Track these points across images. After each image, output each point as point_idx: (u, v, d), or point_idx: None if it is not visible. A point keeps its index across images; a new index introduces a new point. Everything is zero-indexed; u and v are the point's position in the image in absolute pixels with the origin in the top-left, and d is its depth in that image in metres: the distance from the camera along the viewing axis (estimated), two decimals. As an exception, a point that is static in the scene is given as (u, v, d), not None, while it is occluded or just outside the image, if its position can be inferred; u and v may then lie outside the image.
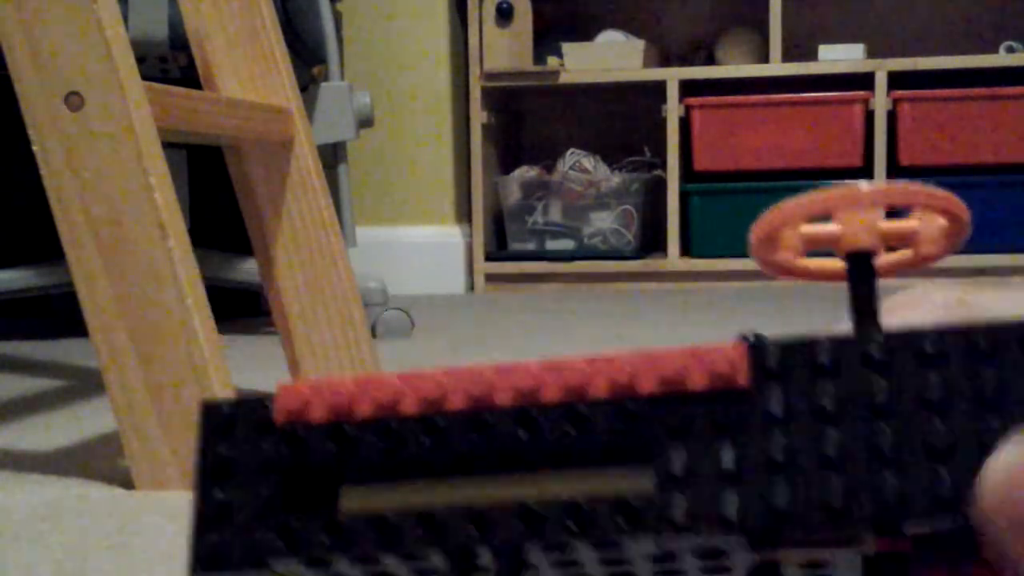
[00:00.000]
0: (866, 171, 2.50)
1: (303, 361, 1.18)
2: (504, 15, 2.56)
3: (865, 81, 2.52)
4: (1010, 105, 2.48)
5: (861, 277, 0.24)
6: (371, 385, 0.23)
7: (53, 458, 1.01)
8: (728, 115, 2.56)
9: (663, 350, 0.22)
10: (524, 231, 2.66)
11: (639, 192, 2.61)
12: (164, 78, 1.69)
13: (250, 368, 1.51)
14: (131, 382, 0.86)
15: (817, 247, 0.25)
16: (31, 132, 0.86)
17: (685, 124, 2.58)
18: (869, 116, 2.52)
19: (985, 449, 0.20)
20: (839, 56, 2.55)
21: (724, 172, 2.58)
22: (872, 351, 0.22)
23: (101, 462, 0.98)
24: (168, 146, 0.91)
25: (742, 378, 0.22)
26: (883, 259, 0.26)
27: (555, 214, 2.64)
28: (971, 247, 2.47)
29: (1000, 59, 2.52)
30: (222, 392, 0.86)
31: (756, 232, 0.25)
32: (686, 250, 2.61)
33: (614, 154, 2.74)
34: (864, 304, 0.23)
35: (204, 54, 1.13)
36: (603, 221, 2.62)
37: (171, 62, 1.70)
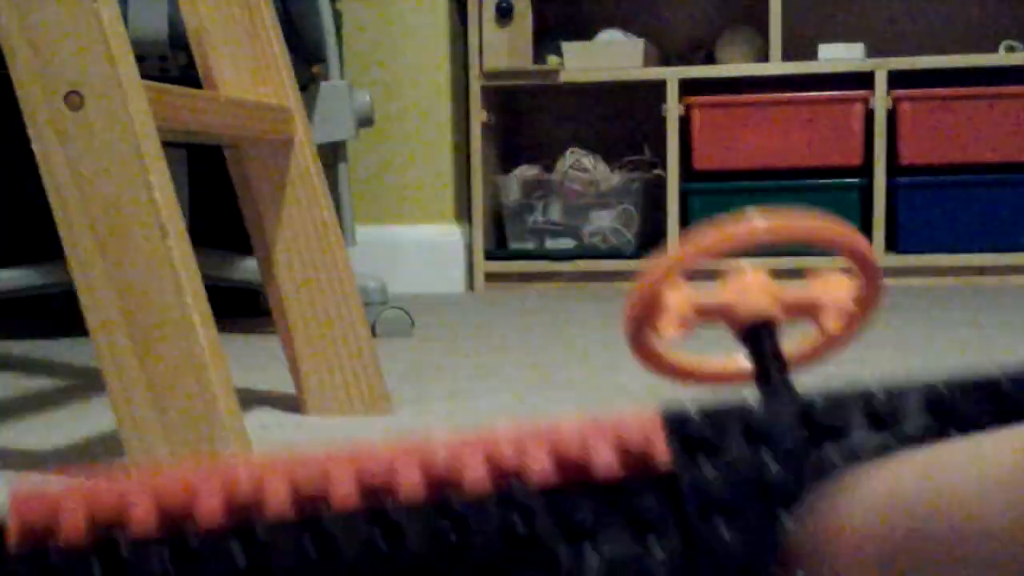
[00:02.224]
0: (866, 170, 2.50)
1: (302, 361, 1.18)
2: (504, 14, 2.56)
3: (865, 80, 2.52)
4: (1010, 104, 2.48)
5: (763, 350, 0.19)
6: (155, 485, 0.13)
7: (53, 457, 1.01)
8: (727, 114, 2.56)
9: (562, 423, 0.16)
10: (524, 230, 2.66)
11: (639, 191, 2.60)
12: (164, 77, 1.69)
13: (250, 367, 1.51)
14: (131, 381, 0.86)
15: (707, 319, 0.20)
16: (31, 132, 0.86)
17: (685, 123, 2.58)
18: (869, 115, 2.51)
19: None
20: (839, 55, 2.54)
21: (724, 171, 2.58)
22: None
23: (101, 461, 0.98)
24: (168, 145, 0.91)
25: (662, 457, 0.17)
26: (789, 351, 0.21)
27: (555, 213, 2.64)
28: (972, 246, 2.48)
29: (1000, 58, 2.52)
30: (221, 390, 0.86)
31: (637, 296, 0.18)
32: (686, 249, 2.61)
33: (614, 153, 2.74)
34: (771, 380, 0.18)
35: (204, 53, 1.13)
36: (603, 220, 2.62)
37: (171, 61, 1.70)
